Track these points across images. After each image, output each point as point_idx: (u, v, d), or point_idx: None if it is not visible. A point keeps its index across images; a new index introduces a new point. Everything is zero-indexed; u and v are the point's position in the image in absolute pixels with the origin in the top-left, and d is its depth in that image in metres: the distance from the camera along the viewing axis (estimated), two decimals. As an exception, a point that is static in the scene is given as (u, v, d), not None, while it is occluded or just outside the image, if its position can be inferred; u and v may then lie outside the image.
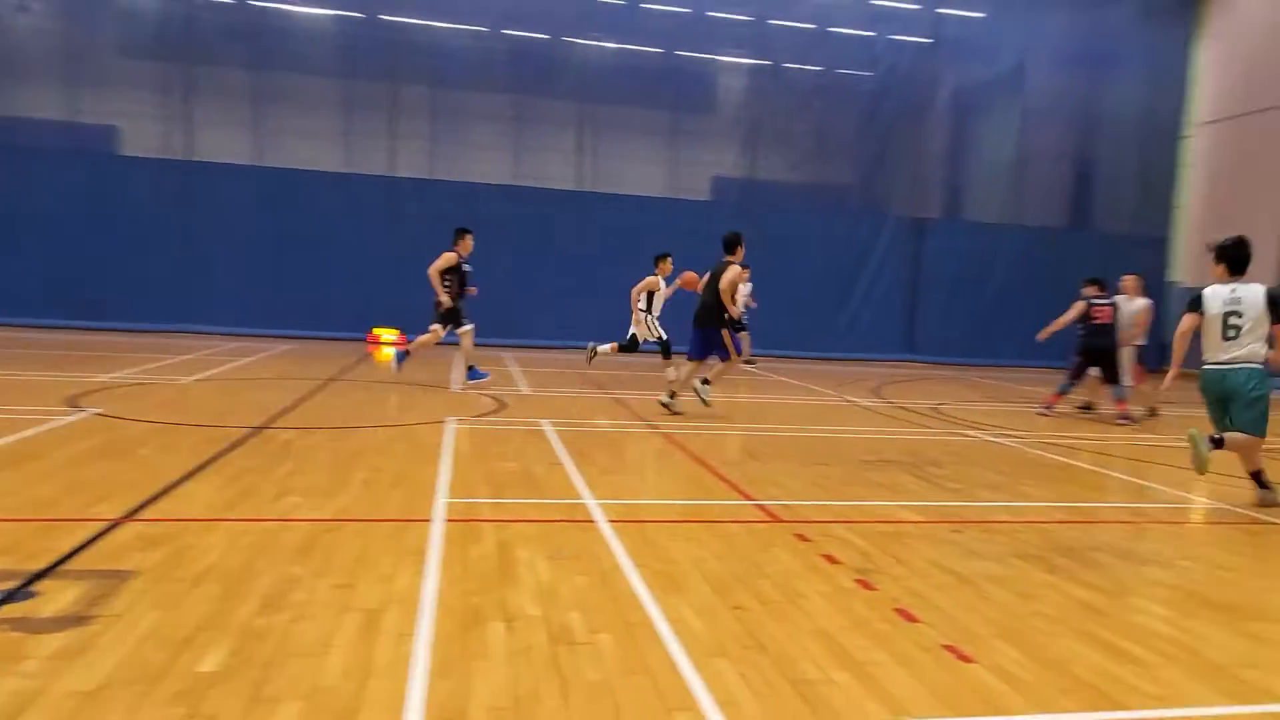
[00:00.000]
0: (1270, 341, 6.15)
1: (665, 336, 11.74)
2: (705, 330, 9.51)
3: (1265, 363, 6.16)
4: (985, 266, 20.22)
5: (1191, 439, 6.20)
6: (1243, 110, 19.80)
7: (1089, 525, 5.59)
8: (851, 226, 19.82)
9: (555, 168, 18.59)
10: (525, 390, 10.93)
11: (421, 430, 7.62)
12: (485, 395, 10.14)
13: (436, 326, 10.78)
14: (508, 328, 17.61)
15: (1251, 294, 6.18)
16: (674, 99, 18.93)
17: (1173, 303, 21.37)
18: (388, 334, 17.34)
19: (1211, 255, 6.52)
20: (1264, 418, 6.22)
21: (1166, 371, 6.61)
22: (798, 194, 19.97)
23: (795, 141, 19.87)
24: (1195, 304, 6.38)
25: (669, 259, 12.56)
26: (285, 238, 17.37)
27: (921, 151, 20.22)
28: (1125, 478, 7.51)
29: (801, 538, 4.83)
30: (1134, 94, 21.14)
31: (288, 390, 9.81)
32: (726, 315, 9.44)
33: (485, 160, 18.41)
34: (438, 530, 4.58)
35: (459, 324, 10.87)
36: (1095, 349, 11.16)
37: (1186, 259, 21.34)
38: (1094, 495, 6.66)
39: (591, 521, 4.95)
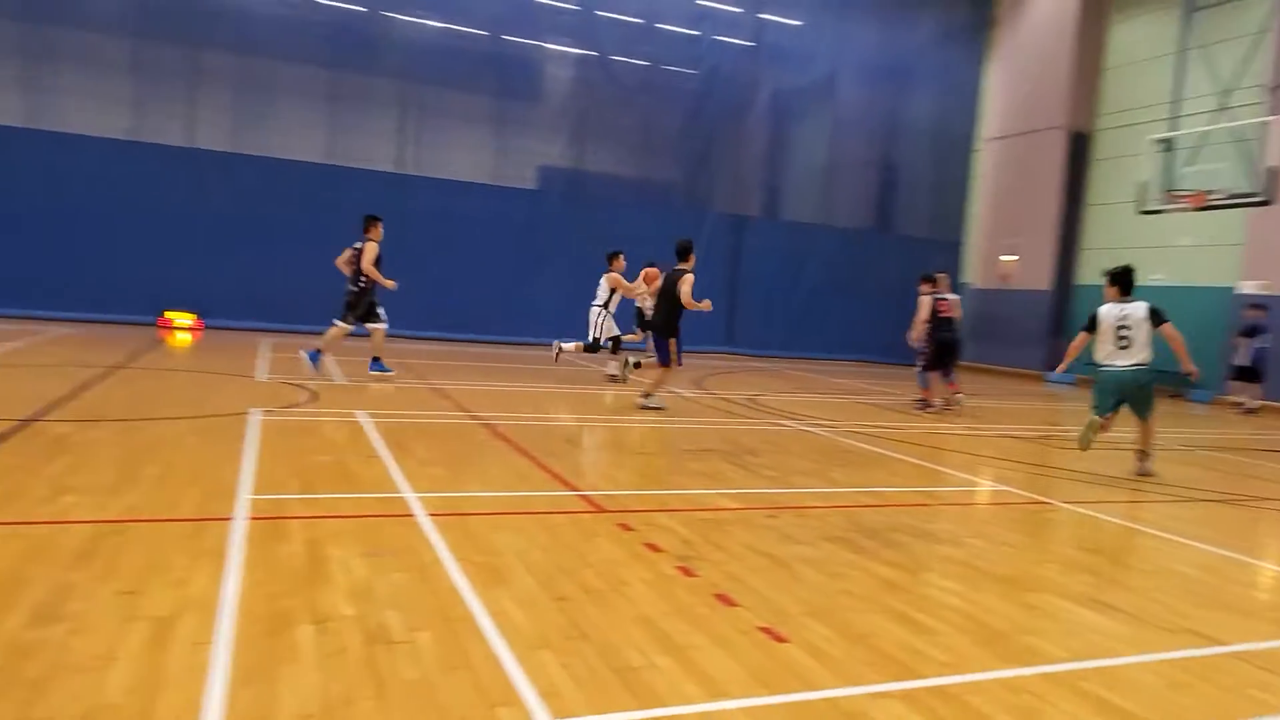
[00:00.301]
0: (1154, 341, 7.77)
1: (619, 333, 12.44)
2: (656, 340, 10.20)
3: (1152, 362, 7.81)
4: (800, 264, 21.26)
5: (1090, 424, 7.98)
6: (1024, 129, 21.82)
7: (891, 508, 5.96)
8: (675, 222, 20.21)
9: (374, 148, 17.80)
10: (340, 380, 10.43)
11: (223, 422, 7.10)
12: (295, 385, 9.60)
13: (343, 323, 10.55)
14: (320, 314, 16.75)
15: (1136, 310, 7.80)
16: (499, 85, 18.60)
17: (966, 302, 23.25)
18: (182, 318, 16.10)
19: (1106, 279, 8.16)
20: (1152, 403, 8.03)
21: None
22: (624, 187, 20.16)
23: (622, 135, 20.06)
24: (1091, 324, 8.07)
25: (622, 256, 12.90)
26: (64, 210, 15.70)
27: (742, 151, 20.94)
28: (923, 463, 8.09)
29: (625, 527, 4.87)
30: (932, 108, 22.84)
31: (66, 378, 8.87)
32: (676, 326, 10.05)
33: (297, 136, 17.34)
34: (240, 529, 4.27)
35: (374, 318, 10.63)
36: (946, 342, 11.98)
37: (976, 263, 23.30)
38: (895, 480, 7.13)
39: (411, 516, 4.78)
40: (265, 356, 12.31)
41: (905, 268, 22.29)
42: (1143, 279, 20.00)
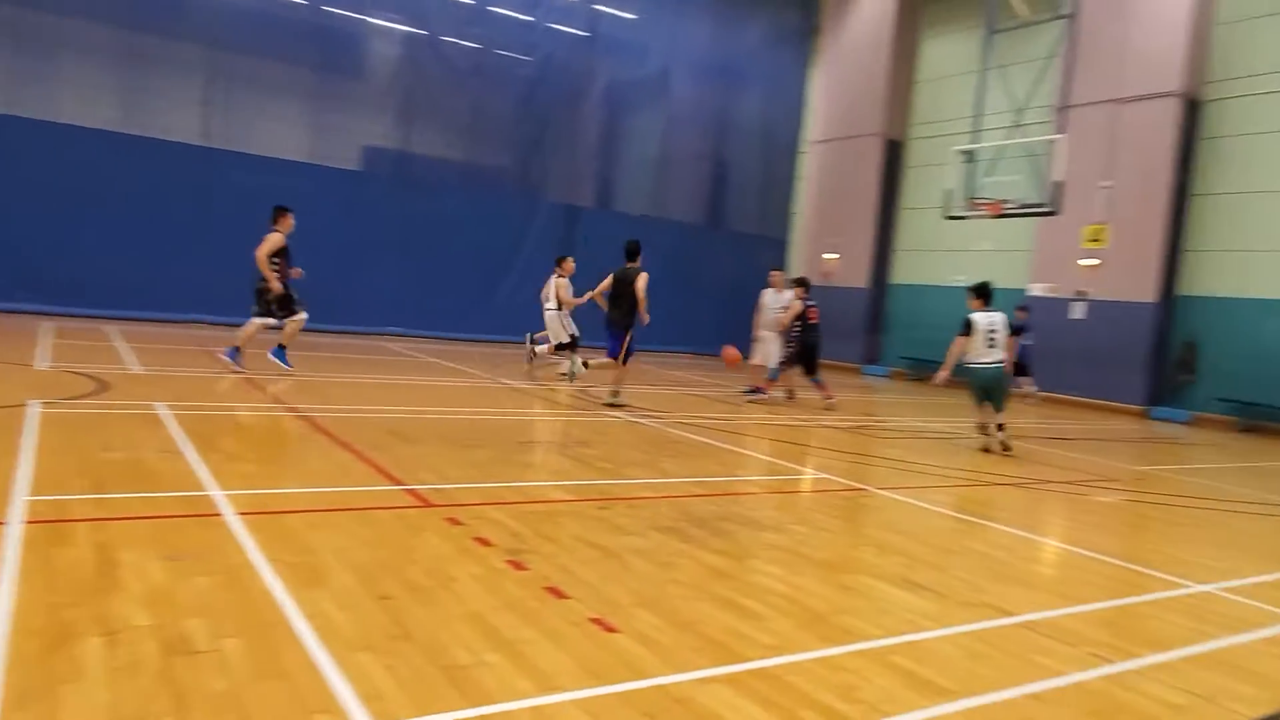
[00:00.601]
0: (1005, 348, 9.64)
1: (577, 334, 13.10)
2: (613, 333, 10.51)
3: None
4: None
5: (981, 427, 9.84)
6: (845, 134, 22.99)
7: (719, 497, 6.11)
8: (507, 209, 19.95)
9: (176, 118, 16.32)
10: (135, 369, 9.58)
11: (-3, 414, 6.35)
12: (82, 374, 8.73)
13: (261, 318, 10.01)
14: (111, 295, 15.36)
15: (999, 318, 9.58)
16: (320, 58, 17.51)
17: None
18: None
19: (970, 293, 9.80)
20: (1009, 393, 10.08)
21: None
22: (453, 172, 19.58)
23: (451, 118, 19.49)
24: (968, 328, 9.51)
25: (571, 260, 13.60)
26: None
27: (576, 141, 20.87)
28: (751, 454, 8.35)
29: (453, 521, 4.73)
30: (762, 108, 23.68)
31: None
32: (635, 321, 10.44)
33: (82, 100, 15.61)
34: (15, 534, 3.82)
35: (292, 311, 10.06)
36: (811, 345, 12.63)
37: (801, 261, 24.36)
38: (724, 470, 7.32)
39: (217, 515, 4.44)
40: (46, 342, 11.14)
41: (735, 262, 23.05)
42: (946, 280, 21.50)
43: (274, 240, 9.97)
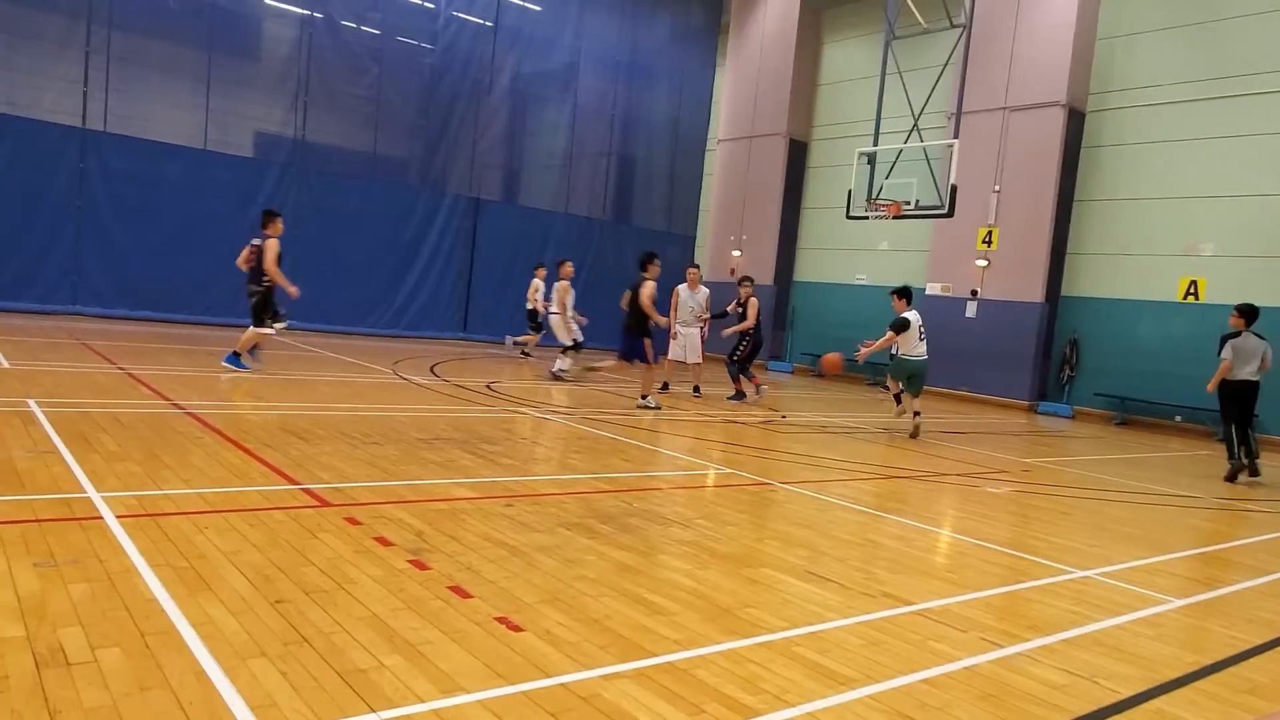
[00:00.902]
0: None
1: (580, 339, 13.96)
2: (628, 337, 11.24)
3: None
4: (537, 251, 21.25)
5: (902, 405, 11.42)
6: (750, 133, 23.32)
7: (626, 493, 6.11)
8: (409, 201, 19.49)
9: (50, 98, 15.28)
10: (4, 363, 8.99)
11: None
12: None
13: (268, 323, 10.28)
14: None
15: (921, 317, 10.98)
16: (209, 38, 16.63)
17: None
18: None
19: (894, 295, 11.09)
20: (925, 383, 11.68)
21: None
22: (353, 162, 18.98)
23: (351, 106, 18.85)
24: (904, 325, 10.74)
25: (570, 263, 14.40)
26: None
27: (481, 133, 20.50)
28: (657, 449, 8.38)
29: (352, 521, 4.59)
30: (669, 105, 23.77)
31: None
32: (649, 325, 11.17)
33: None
34: None
35: (276, 317, 10.29)
36: (760, 341, 13.60)
37: (707, 257, 24.60)
38: (631, 466, 7.32)
39: (97, 518, 4.19)
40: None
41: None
42: (848, 278, 21.99)
43: (276, 246, 10.13)
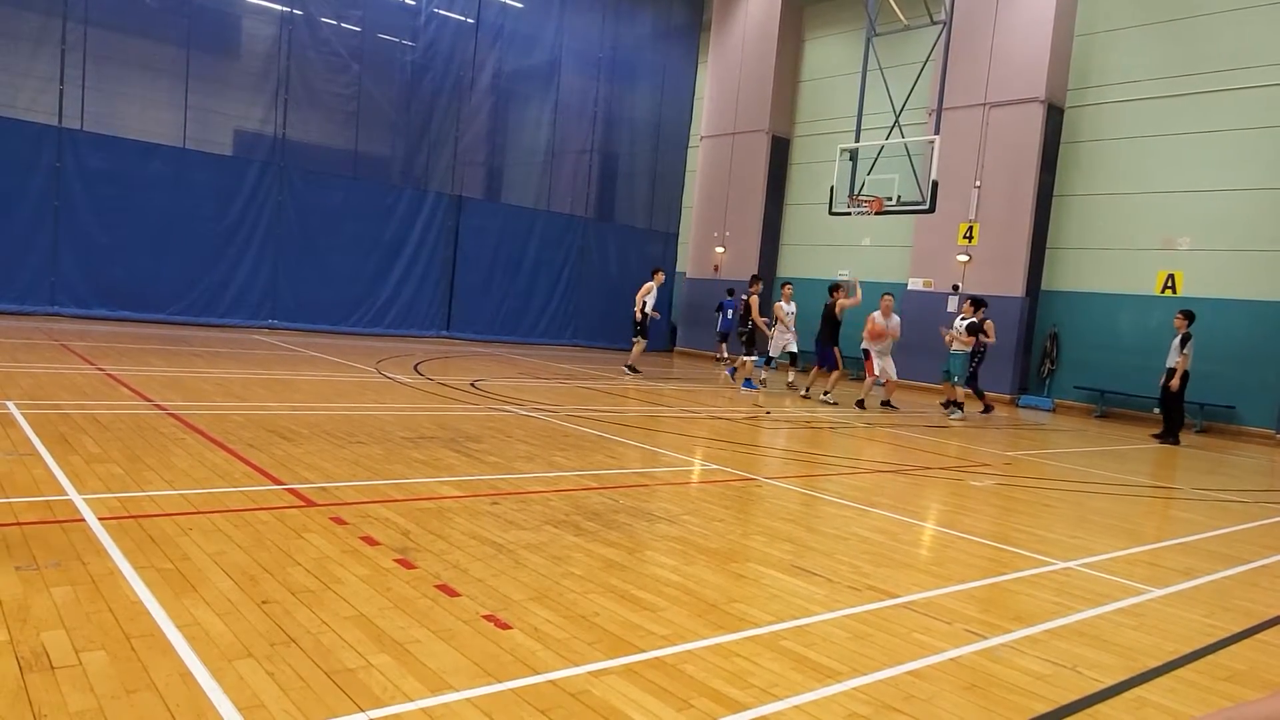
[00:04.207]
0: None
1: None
2: (822, 348, 14.65)
3: None
4: (520, 249, 21.24)
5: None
6: (733, 130, 23.36)
7: (612, 490, 6.12)
8: (392, 199, 19.40)
9: (26, 96, 15.13)
10: (-13, 365, 8.90)
11: None
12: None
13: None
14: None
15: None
16: (188, 35, 16.50)
17: (679, 291, 24.55)
18: None
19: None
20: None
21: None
22: (334, 160, 18.87)
23: (333, 104, 18.75)
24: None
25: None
26: None
27: (463, 130, 20.45)
28: (642, 445, 8.39)
29: (339, 520, 4.57)
30: (651, 103, 23.76)
31: None
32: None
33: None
34: None
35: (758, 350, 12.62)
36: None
37: (690, 253, 24.63)
38: (616, 462, 7.33)
39: (79, 521, 4.16)
40: None
41: (624, 255, 23.14)
42: (831, 274, 22.13)
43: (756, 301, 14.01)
